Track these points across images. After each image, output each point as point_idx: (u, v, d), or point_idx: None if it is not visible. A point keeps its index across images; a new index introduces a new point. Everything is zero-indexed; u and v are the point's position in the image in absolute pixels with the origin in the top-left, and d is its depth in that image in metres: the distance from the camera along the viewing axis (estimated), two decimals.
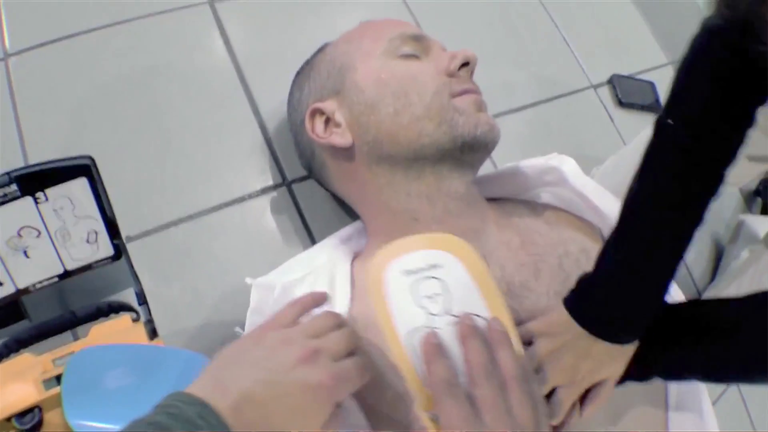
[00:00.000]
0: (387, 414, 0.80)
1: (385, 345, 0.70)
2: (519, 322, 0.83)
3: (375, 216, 0.97)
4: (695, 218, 0.74)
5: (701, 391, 0.93)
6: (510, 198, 1.06)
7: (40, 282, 0.80)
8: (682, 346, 0.79)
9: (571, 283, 0.87)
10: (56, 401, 0.74)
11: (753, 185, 1.74)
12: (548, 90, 1.51)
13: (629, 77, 1.66)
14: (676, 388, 0.92)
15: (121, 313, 0.87)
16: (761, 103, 0.69)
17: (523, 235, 0.95)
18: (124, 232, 0.89)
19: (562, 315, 0.78)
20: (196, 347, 0.96)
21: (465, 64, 0.96)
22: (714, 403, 0.95)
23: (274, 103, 1.17)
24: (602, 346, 0.77)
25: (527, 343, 0.80)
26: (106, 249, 0.83)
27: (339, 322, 0.73)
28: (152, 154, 1.09)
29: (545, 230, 0.97)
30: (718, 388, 1.45)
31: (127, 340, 0.82)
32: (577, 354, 0.77)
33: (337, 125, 0.95)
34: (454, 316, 0.69)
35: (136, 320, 0.86)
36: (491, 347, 0.67)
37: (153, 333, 0.86)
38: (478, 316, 0.70)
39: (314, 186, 1.12)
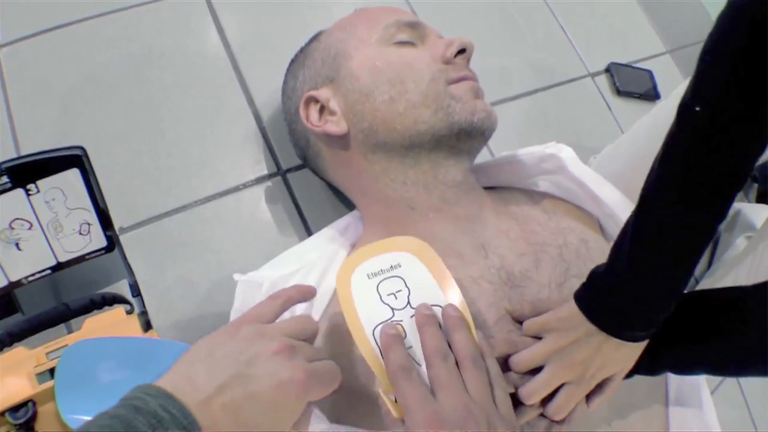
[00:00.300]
0: (356, 399, 0.80)
1: (354, 343, 0.72)
2: (522, 314, 0.83)
3: (371, 205, 0.96)
4: (718, 213, 0.69)
5: (701, 384, 0.92)
6: (508, 186, 1.05)
7: (33, 275, 0.79)
8: (693, 339, 0.78)
9: (571, 273, 0.87)
10: (50, 395, 0.73)
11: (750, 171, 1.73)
12: (545, 78, 1.51)
13: (627, 66, 1.65)
14: (676, 382, 0.91)
15: (114, 305, 0.86)
16: None
17: (522, 223, 0.94)
18: (118, 223, 0.88)
19: (573, 310, 0.76)
20: (191, 339, 0.94)
21: (461, 52, 0.95)
22: (712, 393, 0.95)
23: (269, 92, 1.16)
24: (613, 343, 0.75)
25: (536, 338, 0.80)
26: (99, 240, 0.82)
27: (317, 331, 0.74)
28: (146, 144, 1.08)
29: (544, 219, 0.96)
30: (716, 378, 1.45)
31: (121, 333, 0.82)
32: (587, 351, 0.76)
33: (332, 113, 0.94)
34: (414, 308, 0.74)
35: (130, 312, 0.86)
36: (447, 331, 0.71)
37: (147, 325, 0.85)
38: (437, 305, 0.75)
39: (309, 175, 1.11)
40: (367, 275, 0.77)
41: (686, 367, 0.81)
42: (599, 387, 0.79)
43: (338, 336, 0.83)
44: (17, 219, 0.76)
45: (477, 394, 0.65)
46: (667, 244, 0.71)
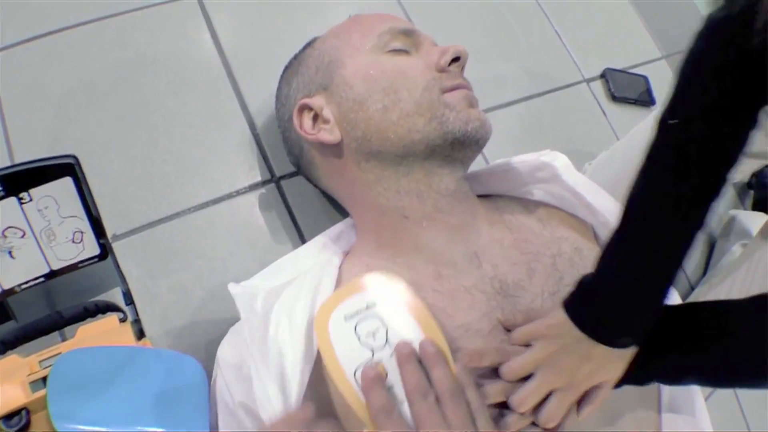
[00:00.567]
0: None
1: (338, 390, 0.73)
2: (514, 324, 0.83)
3: (364, 213, 0.96)
4: (697, 221, 0.72)
5: (694, 391, 0.92)
6: (501, 195, 1.05)
7: (26, 283, 0.79)
8: (682, 350, 0.78)
9: (565, 283, 0.87)
10: (43, 403, 0.73)
11: (746, 178, 1.73)
12: (540, 84, 1.50)
13: (622, 71, 1.65)
14: (668, 389, 0.91)
15: (108, 313, 0.86)
16: (766, 102, 0.67)
17: (516, 232, 0.94)
18: (111, 230, 0.88)
19: (561, 318, 0.77)
20: (184, 346, 0.96)
21: (456, 60, 0.95)
22: (707, 399, 0.95)
23: (263, 99, 1.16)
24: (602, 350, 0.75)
25: (525, 345, 0.80)
26: (92, 248, 0.82)
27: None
28: (139, 150, 1.08)
29: (538, 228, 0.96)
30: None
31: (114, 341, 0.81)
32: (575, 358, 0.76)
33: (326, 121, 0.94)
34: (393, 345, 0.75)
35: (123, 320, 0.86)
36: (426, 367, 0.72)
37: (140, 333, 0.85)
38: (416, 340, 0.75)
39: (303, 182, 1.11)
40: (344, 317, 0.77)
41: (675, 378, 0.81)
42: (588, 395, 0.80)
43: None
44: (10, 227, 0.76)
45: (458, 426, 0.66)
46: (649, 253, 0.73)
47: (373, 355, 0.75)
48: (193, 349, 0.94)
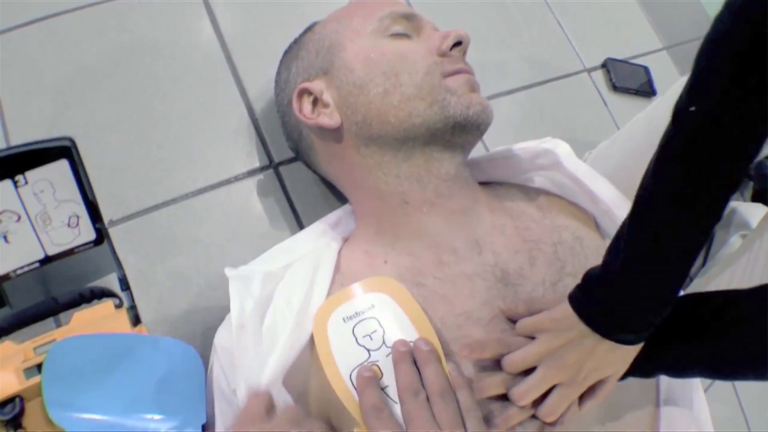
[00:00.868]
0: None
1: (332, 389, 0.74)
2: (516, 313, 0.82)
3: (364, 199, 0.95)
4: (713, 214, 0.68)
5: (693, 383, 0.92)
6: (502, 182, 1.05)
7: (21, 268, 0.78)
8: (688, 342, 0.77)
9: (566, 272, 0.86)
10: (38, 390, 0.73)
11: None
12: (541, 73, 1.50)
13: (623, 61, 1.65)
14: (667, 381, 0.91)
15: (103, 299, 0.86)
16: None
17: (517, 220, 0.93)
18: (107, 215, 0.87)
19: (567, 311, 0.75)
20: (180, 333, 0.95)
21: (457, 44, 0.94)
22: (705, 391, 0.95)
23: (262, 84, 1.15)
24: (607, 346, 0.74)
25: (530, 338, 0.79)
26: (87, 233, 0.81)
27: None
28: (136, 135, 1.07)
29: (539, 217, 0.95)
30: None
31: (109, 327, 0.81)
32: (580, 353, 0.75)
33: (325, 105, 0.93)
34: (389, 347, 0.77)
35: (118, 306, 0.85)
36: (419, 365, 0.73)
37: (136, 319, 0.84)
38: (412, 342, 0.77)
39: (302, 168, 1.11)
40: (343, 319, 0.79)
41: (681, 369, 0.80)
42: (592, 389, 0.79)
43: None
44: (5, 211, 0.75)
45: (446, 425, 0.67)
46: (662, 246, 0.70)
47: (369, 356, 0.76)
48: (190, 336, 0.94)
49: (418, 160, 0.90)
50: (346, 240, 0.97)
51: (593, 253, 0.90)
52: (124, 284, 0.86)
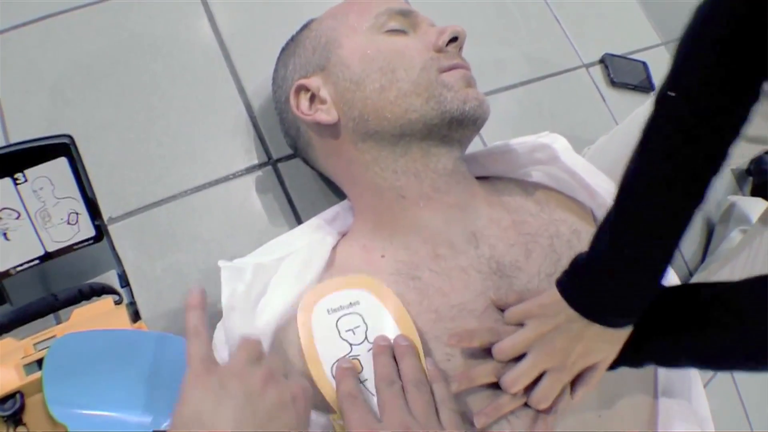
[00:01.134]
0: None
1: (313, 380, 0.77)
2: (506, 303, 0.83)
3: (362, 194, 0.96)
4: (696, 198, 0.70)
5: (691, 376, 0.92)
6: (500, 176, 1.05)
7: (21, 265, 0.79)
8: (679, 332, 0.78)
9: (562, 264, 0.86)
10: (38, 386, 0.73)
11: (744, 165, 1.73)
12: (539, 68, 1.50)
13: (621, 57, 1.65)
14: (665, 373, 0.91)
15: (103, 295, 0.86)
16: (767, 74, 0.65)
17: (514, 214, 0.94)
18: (107, 213, 0.87)
19: (555, 297, 0.76)
20: (180, 329, 0.94)
21: (453, 40, 0.94)
22: (705, 386, 0.95)
23: (260, 81, 1.15)
24: (596, 330, 0.75)
25: (518, 325, 0.80)
26: (87, 230, 0.81)
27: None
28: (135, 133, 1.07)
29: (536, 210, 0.96)
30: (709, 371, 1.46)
31: (109, 323, 0.81)
32: (569, 337, 0.76)
33: (323, 102, 0.93)
34: (371, 343, 0.79)
35: (118, 303, 0.85)
36: (397, 359, 0.76)
37: (136, 315, 0.85)
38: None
39: (300, 165, 1.11)
40: (327, 311, 0.81)
41: (671, 359, 0.81)
42: (582, 376, 0.79)
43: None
44: (5, 208, 0.76)
45: (419, 414, 0.69)
46: (647, 229, 0.72)
47: (351, 350, 0.79)
48: None
49: (416, 155, 0.91)
50: (343, 235, 0.98)
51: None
52: (124, 281, 0.86)
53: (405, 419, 0.68)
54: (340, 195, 1.08)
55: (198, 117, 1.11)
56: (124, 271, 0.86)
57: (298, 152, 1.07)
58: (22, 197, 0.76)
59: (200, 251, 1.03)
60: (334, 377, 0.76)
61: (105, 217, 0.83)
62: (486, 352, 0.80)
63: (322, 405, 0.77)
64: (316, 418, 0.77)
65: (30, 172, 0.75)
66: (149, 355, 0.79)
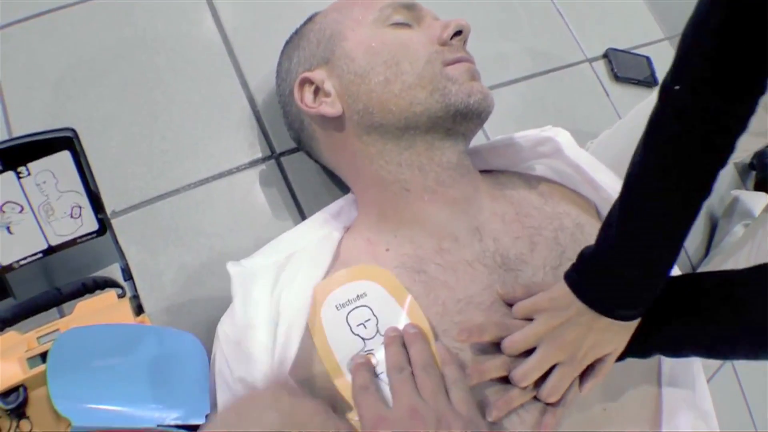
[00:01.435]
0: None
1: (330, 378, 0.78)
2: (514, 297, 0.83)
3: (366, 187, 0.95)
4: (702, 189, 0.70)
5: (695, 368, 0.92)
6: (504, 170, 1.05)
7: (24, 258, 0.79)
8: (685, 321, 0.78)
9: (567, 257, 0.87)
10: (41, 379, 0.73)
11: (747, 159, 1.73)
12: (543, 63, 1.50)
13: (625, 51, 1.64)
14: (669, 364, 0.91)
15: (106, 289, 0.86)
16: None
17: (518, 207, 0.94)
18: (110, 206, 0.87)
19: (563, 290, 0.76)
20: (183, 322, 0.96)
21: (458, 33, 0.94)
22: (708, 381, 0.95)
23: (263, 75, 1.15)
24: (604, 323, 0.75)
25: (528, 319, 0.79)
26: (90, 224, 0.81)
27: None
28: (138, 127, 1.07)
29: (540, 203, 0.96)
30: (713, 364, 1.46)
31: (112, 316, 0.81)
32: (578, 331, 0.76)
33: (327, 95, 0.93)
34: (383, 335, 0.79)
35: (121, 296, 0.85)
36: (407, 347, 0.76)
37: (139, 309, 0.85)
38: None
39: (303, 158, 1.11)
40: (336, 307, 0.81)
41: (677, 349, 0.81)
42: (591, 369, 0.79)
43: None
44: (8, 202, 0.76)
45: (427, 397, 0.70)
46: (653, 221, 0.72)
47: (364, 345, 0.79)
48: (192, 326, 0.94)
49: (420, 149, 0.91)
50: (348, 229, 0.97)
51: (594, 239, 0.90)
52: (127, 274, 0.87)
53: (413, 402, 0.68)
54: (343, 188, 1.08)
55: (201, 111, 1.11)
56: (127, 265, 0.86)
57: (301, 146, 1.07)
58: (25, 191, 0.76)
59: (203, 245, 1.03)
60: (350, 375, 0.76)
61: (108, 210, 0.82)
62: (494, 346, 0.80)
63: (340, 405, 0.77)
64: None
65: (33, 165, 0.75)
66: (153, 350, 0.80)
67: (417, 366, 0.73)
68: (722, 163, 0.69)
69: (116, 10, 1.15)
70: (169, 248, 1.01)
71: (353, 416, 0.74)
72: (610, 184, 0.96)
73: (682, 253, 1.50)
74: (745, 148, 1.35)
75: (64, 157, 0.77)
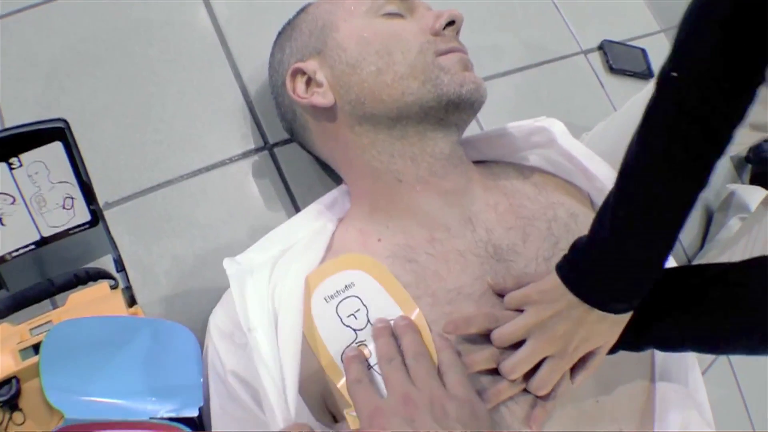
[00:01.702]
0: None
1: (324, 371, 0.77)
2: (504, 288, 0.82)
3: (358, 178, 0.95)
4: (699, 181, 0.69)
5: (689, 361, 0.92)
6: (497, 160, 1.05)
7: (17, 250, 0.79)
8: (678, 313, 0.77)
9: (560, 248, 0.86)
10: (34, 371, 0.73)
11: (744, 152, 1.73)
12: (537, 54, 1.50)
13: (620, 43, 1.64)
14: (662, 357, 0.91)
15: (99, 280, 0.86)
16: None
17: (511, 197, 0.93)
18: (103, 197, 0.87)
19: (555, 282, 0.75)
20: (176, 314, 0.96)
21: (451, 24, 0.94)
22: (703, 373, 0.95)
23: (256, 66, 1.15)
24: (596, 315, 0.74)
25: (518, 311, 0.79)
26: (82, 215, 0.81)
27: None
28: (131, 118, 1.07)
29: (533, 194, 0.95)
30: (708, 356, 1.46)
31: (105, 308, 0.81)
32: (569, 323, 0.75)
33: (319, 85, 0.93)
34: (373, 325, 0.78)
35: (114, 287, 0.85)
36: (398, 338, 0.76)
37: (131, 300, 0.84)
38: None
39: (296, 149, 1.11)
40: (324, 299, 0.80)
41: (671, 343, 0.80)
42: (582, 362, 0.79)
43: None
44: (0, 194, 0.75)
45: (420, 383, 0.69)
46: (649, 213, 0.70)
47: (356, 336, 0.78)
48: (185, 317, 0.93)
49: (412, 139, 0.90)
50: (341, 220, 0.97)
51: (587, 229, 0.90)
52: (120, 265, 0.86)
53: (406, 389, 0.68)
54: (336, 179, 1.08)
55: (194, 102, 1.11)
56: (119, 256, 0.86)
57: (294, 136, 1.07)
58: (17, 182, 0.76)
59: (196, 236, 1.02)
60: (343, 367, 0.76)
61: (100, 201, 0.82)
62: (485, 338, 0.79)
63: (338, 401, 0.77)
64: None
65: (25, 156, 0.75)
66: (146, 342, 0.80)
67: (408, 355, 0.73)
68: (720, 153, 0.67)
69: (109, 0, 1.14)
70: (162, 239, 1.01)
71: (350, 411, 0.73)
72: (605, 174, 0.96)
73: (678, 246, 1.50)
74: (741, 142, 1.36)
75: (57, 148, 0.77)
